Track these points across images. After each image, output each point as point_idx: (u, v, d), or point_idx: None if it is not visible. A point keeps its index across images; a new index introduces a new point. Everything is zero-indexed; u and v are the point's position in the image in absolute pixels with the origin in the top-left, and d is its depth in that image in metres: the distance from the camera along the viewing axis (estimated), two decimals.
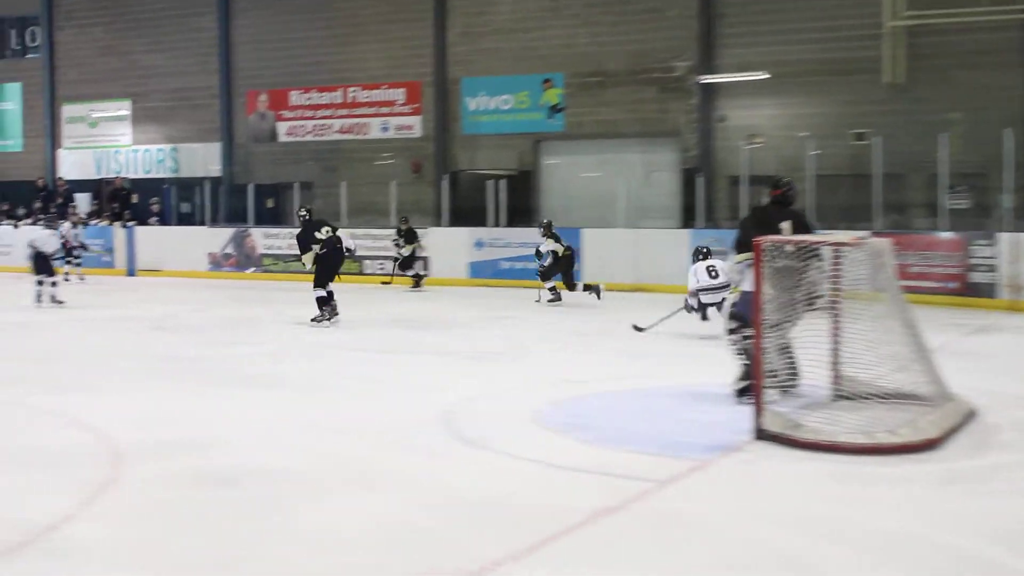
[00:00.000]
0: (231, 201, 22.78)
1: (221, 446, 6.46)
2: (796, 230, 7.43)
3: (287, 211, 22.31)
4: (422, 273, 18.48)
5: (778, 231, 7.32)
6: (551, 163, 21.23)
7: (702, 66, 19.49)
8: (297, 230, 13.08)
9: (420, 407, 7.62)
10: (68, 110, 25.94)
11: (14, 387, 8.56)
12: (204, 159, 24.32)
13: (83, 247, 19.69)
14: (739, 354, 7.72)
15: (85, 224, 21.62)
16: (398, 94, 22.31)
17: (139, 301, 15.40)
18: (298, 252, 12.90)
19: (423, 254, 18.91)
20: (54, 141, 26.16)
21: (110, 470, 5.90)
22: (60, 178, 25.22)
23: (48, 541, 4.71)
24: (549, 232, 15.52)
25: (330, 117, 22.97)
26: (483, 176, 20.64)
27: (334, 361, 10.02)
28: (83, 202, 24.27)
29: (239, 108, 23.92)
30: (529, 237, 17.60)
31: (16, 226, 22.60)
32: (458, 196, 20.99)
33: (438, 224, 20.36)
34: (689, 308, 11.51)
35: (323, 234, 12.73)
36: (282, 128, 23.49)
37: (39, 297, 15.02)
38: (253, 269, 20.09)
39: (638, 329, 11.65)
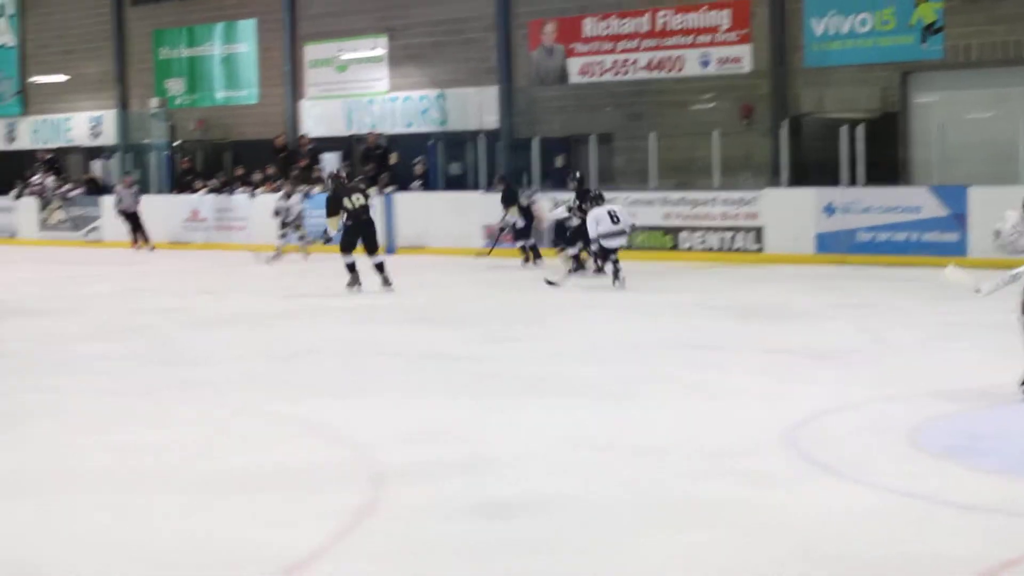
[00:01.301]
0: (511, 159, 23.29)
1: (501, 468, 6.60)
2: None
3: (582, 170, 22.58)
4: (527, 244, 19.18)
5: None
6: (924, 102, 20.54)
7: None
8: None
9: (752, 420, 7.57)
10: (311, 52, 27.24)
11: (250, 391, 9.06)
12: (477, 108, 24.95)
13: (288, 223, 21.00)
14: None
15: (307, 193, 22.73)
16: (721, 17, 22.15)
17: (397, 286, 15.98)
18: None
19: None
20: (295, 90, 27.56)
21: (367, 495, 6.13)
22: (303, 135, 26.56)
23: None
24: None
25: (634, 50, 23.08)
26: (834, 121, 20.20)
27: (641, 360, 10.10)
28: (331, 163, 25.39)
29: (520, 42, 24.42)
30: (900, 199, 17.08)
31: (253, 195, 24.05)
32: (801, 148, 20.64)
33: (775, 184, 20.11)
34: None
35: (352, 202, 15.49)
36: (574, 66, 23.80)
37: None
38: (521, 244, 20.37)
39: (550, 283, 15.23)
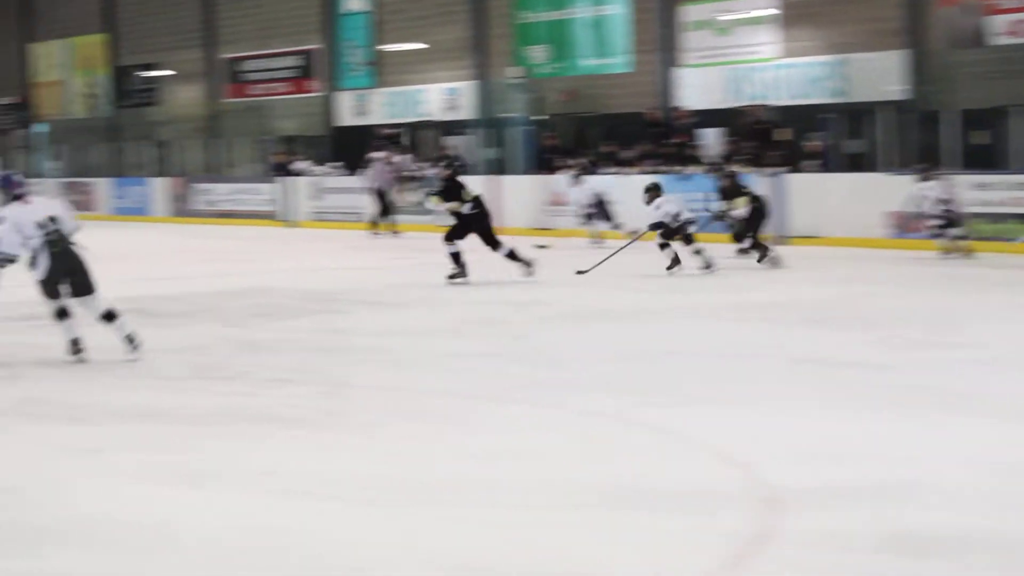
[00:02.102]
0: (922, 135, 22.63)
1: (922, 496, 6.40)
2: None
3: (1008, 149, 21.71)
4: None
5: None
6: None
7: None
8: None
9: None
10: (689, 13, 27.18)
11: (612, 396, 9.09)
12: (880, 75, 24.37)
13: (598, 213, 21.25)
14: None
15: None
16: None
17: (785, 281, 15.80)
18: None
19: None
20: (670, 57, 27.56)
21: (761, 520, 6.04)
22: (678, 107, 26.54)
23: None
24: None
25: None
26: None
27: None
28: (711, 140, 25.30)
29: None
30: None
31: (577, 176, 24.04)
32: None
33: None
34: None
35: (467, 195, 16.58)
36: (997, 25, 22.92)
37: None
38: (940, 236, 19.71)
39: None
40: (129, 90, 40.23)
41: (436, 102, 31.66)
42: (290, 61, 35.36)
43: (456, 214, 16.71)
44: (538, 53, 29.39)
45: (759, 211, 18.93)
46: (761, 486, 6.62)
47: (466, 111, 30.88)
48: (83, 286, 10.72)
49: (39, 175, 41.69)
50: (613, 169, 25.11)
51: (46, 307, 10.85)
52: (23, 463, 7.45)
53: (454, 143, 30.21)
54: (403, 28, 32.18)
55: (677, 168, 22.88)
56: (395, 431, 8.15)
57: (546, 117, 29.13)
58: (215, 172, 35.96)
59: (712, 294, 15.16)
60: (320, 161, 31.88)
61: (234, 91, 36.89)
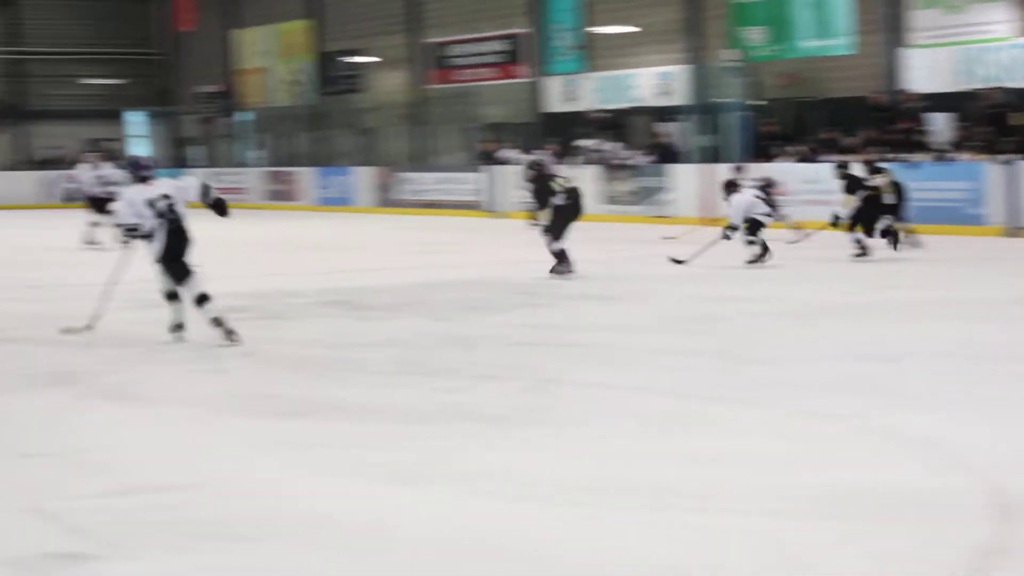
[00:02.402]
0: None
1: None
2: None
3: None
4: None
5: None
6: None
7: None
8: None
9: None
10: None
11: (835, 397, 9.01)
12: None
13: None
14: None
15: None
16: None
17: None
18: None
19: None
20: (897, 37, 27.07)
21: (998, 531, 5.95)
22: (905, 91, 26.08)
23: None
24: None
25: None
26: None
27: None
28: (940, 125, 24.80)
29: None
30: None
31: (843, 166, 23.70)
32: None
33: None
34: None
35: (559, 185, 17.19)
36: None
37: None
38: None
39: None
40: (333, 77, 40.90)
41: (648, 87, 31.58)
42: (496, 45, 35.58)
43: (554, 207, 17.07)
44: (755, 35, 29.11)
45: (895, 197, 18.94)
46: (999, 494, 6.49)
47: (679, 96, 30.73)
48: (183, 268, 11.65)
49: (242, 164, 42.80)
50: (835, 157, 24.77)
51: (160, 285, 11.80)
52: (231, 458, 7.64)
53: (666, 129, 30.15)
54: (613, 10, 32.15)
55: (903, 155, 22.49)
56: (604, 430, 8.18)
57: (764, 102, 28.90)
58: (419, 161, 36.43)
59: (937, 293, 14.94)
60: (527, 149, 32.07)
61: (439, 77, 37.25)
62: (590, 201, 28.92)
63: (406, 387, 9.77)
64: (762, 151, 26.82)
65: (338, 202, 36.29)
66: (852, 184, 18.96)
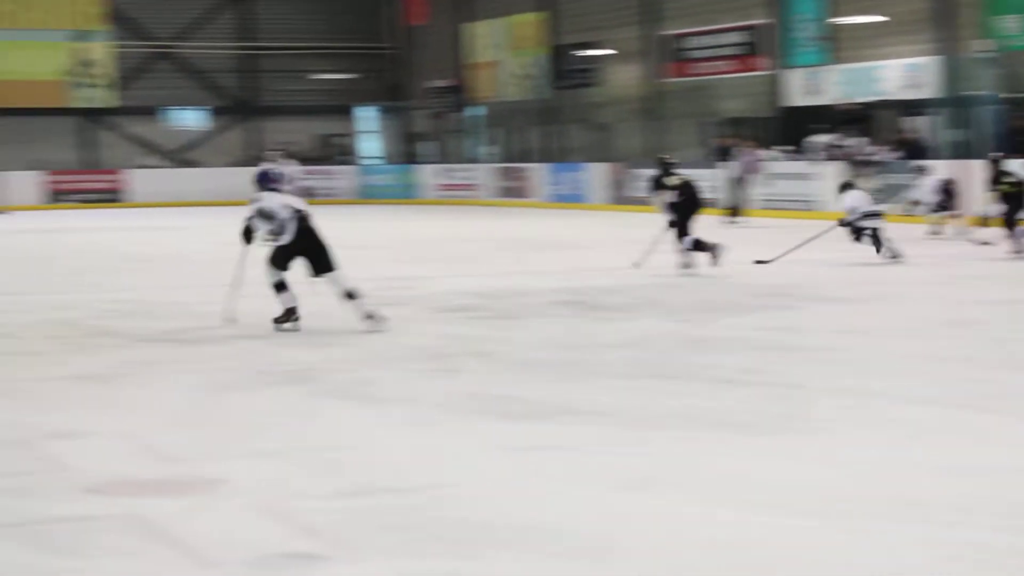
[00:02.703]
0: None
1: None
2: None
3: None
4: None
5: None
6: None
7: None
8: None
9: None
10: None
11: None
12: None
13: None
14: None
15: None
16: None
17: None
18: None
19: None
20: None
21: None
22: None
23: None
24: None
25: None
26: None
27: None
28: None
29: None
30: None
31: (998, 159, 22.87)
32: None
33: None
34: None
35: (673, 181, 18.02)
36: None
37: None
38: None
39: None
40: (566, 70, 40.96)
41: (895, 79, 30.97)
42: (735, 37, 35.30)
43: (669, 205, 17.94)
44: (1011, 24, 28.37)
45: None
46: None
47: (928, 89, 30.06)
48: (325, 264, 12.74)
49: (473, 160, 43.14)
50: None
51: (269, 276, 12.76)
52: (463, 461, 7.68)
53: (914, 124, 29.59)
54: None
55: None
56: (853, 439, 8.03)
57: (1020, 95, 28.14)
58: (654, 157, 36.35)
59: None
60: (766, 144, 31.77)
61: (675, 70, 37.07)
62: (829, 199, 28.81)
63: (642, 390, 9.73)
64: (1018, 147, 26.07)
65: (571, 199, 36.40)
66: (992, 179, 19.66)
